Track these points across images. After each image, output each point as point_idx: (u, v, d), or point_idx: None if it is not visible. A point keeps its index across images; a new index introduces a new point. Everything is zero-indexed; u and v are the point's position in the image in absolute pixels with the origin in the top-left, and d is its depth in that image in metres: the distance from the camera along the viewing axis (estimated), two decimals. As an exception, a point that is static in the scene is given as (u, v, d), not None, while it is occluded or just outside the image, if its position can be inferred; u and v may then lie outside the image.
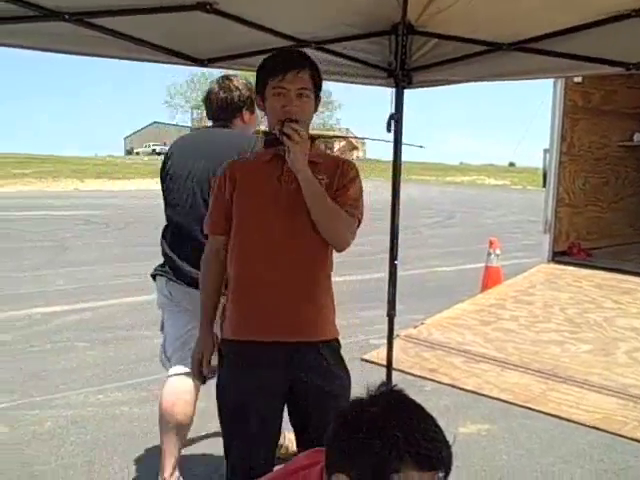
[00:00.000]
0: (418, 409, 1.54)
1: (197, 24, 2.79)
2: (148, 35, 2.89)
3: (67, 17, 2.56)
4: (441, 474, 1.47)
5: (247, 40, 3.02)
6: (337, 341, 2.57)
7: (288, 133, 2.31)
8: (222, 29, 2.82)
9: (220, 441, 2.59)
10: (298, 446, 2.59)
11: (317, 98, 2.50)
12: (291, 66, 2.38)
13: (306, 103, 2.42)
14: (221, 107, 3.47)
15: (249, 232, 2.47)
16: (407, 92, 3.40)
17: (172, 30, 2.88)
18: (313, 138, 2.56)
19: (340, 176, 2.48)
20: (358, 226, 2.51)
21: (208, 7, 2.58)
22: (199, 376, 2.66)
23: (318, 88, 2.49)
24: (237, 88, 3.45)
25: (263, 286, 2.44)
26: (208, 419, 3.82)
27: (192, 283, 3.09)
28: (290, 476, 1.70)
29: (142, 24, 2.75)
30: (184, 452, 3.44)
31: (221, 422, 2.56)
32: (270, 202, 2.44)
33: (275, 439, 2.57)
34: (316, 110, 2.53)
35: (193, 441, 3.98)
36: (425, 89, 3.68)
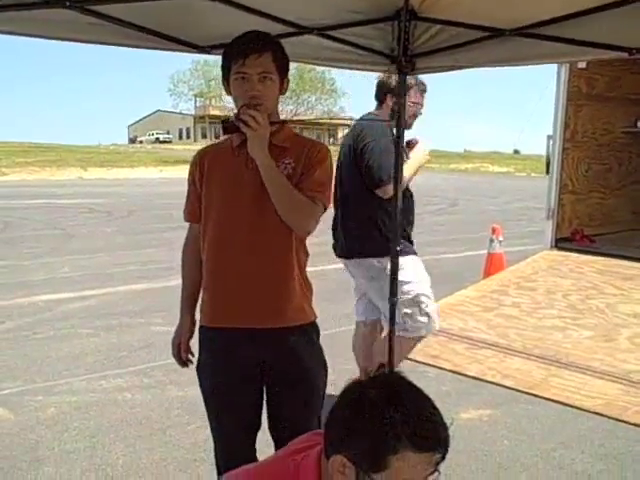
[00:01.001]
0: (416, 391, 1.55)
1: (199, 11, 2.78)
2: (150, 22, 2.87)
3: (68, 4, 2.54)
4: (438, 455, 1.48)
5: (249, 26, 2.99)
6: (312, 324, 2.56)
7: (245, 120, 2.30)
8: (224, 16, 2.80)
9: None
10: (269, 428, 2.61)
11: (283, 80, 2.47)
12: (252, 50, 2.35)
13: (269, 87, 2.40)
14: (378, 87, 4.23)
15: (216, 220, 2.47)
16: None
17: (174, 17, 2.86)
18: (284, 122, 2.55)
19: (306, 159, 2.44)
20: (325, 211, 2.48)
21: (210, -7, 2.57)
22: (179, 360, 2.71)
23: (283, 70, 2.45)
24: (394, 77, 3.94)
25: (229, 273, 2.46)
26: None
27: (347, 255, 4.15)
28: (289, 457, 1.71)
29: (144, 11, 2.73)
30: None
31: (205, 405, 2.61)
32: (236, 189, 2.43)
33: (253, 422, 2.57)
34: (283, 92, 2.50)
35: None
36: (429, 75, 3.69)
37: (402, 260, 3.88)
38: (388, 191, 3.84)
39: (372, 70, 3.53)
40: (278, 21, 2.91)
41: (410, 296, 4.04)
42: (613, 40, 3.03)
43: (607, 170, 7.95)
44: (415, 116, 4.16)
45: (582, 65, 7.06)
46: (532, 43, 3.09)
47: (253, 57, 2.35)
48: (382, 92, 4.19)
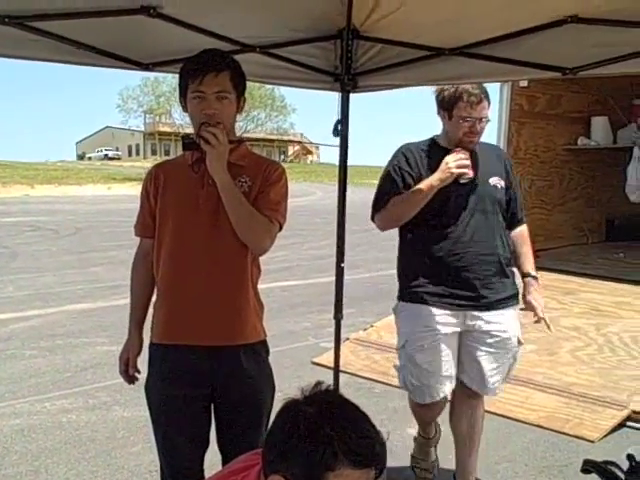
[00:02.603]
0: (352, 408, 1.56)
1: (141, 28, 2.77)
2: (91, 39, 2.85)
3: (7, 20, 2.52)
4: (375, 471, 1.49)
5: (192, 44, 2.99)
6: (262, 343, 2.57)
7: (205, 137, 2.32)
8: (166, 33, 2.81)
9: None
10: (218, 446, 2.61)
11: (240, 99, 2.48)
12: (209, 69, 2.37)
13: (226, 106, 2.42)
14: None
15: (171, 237, 2.47)
16: (356, 97, 3.44)
17: (116, 34, 2.85)
18: (240, 141, 2.58)
19: (263, 178, 2.47)
20: (280, 230, 2.51)
21: (152, 11, 2.56)
22: (126, 377, 2.68)
23: (240, 89, 2.47)
24: (447, 89, 3.28)
25: (184, 290, 2.46)
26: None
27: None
28: (229, 477, 1.70)
29: (85, 28, 2.71)
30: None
31: (152, 423, 2.59)
32: (191, 206, 2.44)
33: (201, 440, 2.56)
34: (240, 111, 2.52)
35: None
36: (372, 94, 3.73)
37: (400, 309, 3.46)
38: (376, 225, 3.44)
39: (315, 88, 3.56)
40: (220, 39, 2.93)
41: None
42: (548, 60, 3.12)
43: (549, 186, 8.12)
44: (474, 133, 3.24)
45: (524, 84, 7.22)
46: (472, 62, 3.17)
47: (211, 76, 2.37)
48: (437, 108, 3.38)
